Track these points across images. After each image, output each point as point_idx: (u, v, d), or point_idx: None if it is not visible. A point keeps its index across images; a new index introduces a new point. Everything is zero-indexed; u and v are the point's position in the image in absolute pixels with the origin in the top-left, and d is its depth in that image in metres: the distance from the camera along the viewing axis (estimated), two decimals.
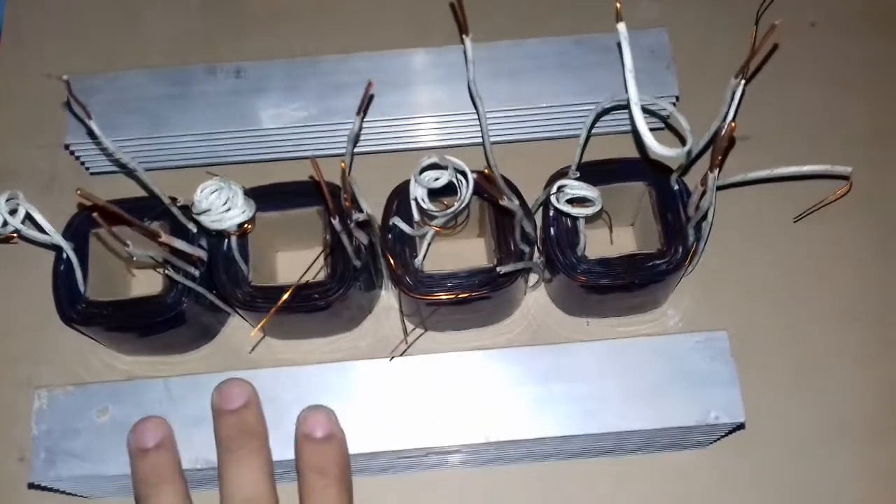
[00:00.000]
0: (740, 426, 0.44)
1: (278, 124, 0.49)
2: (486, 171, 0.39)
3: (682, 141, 0.36)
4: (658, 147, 0.32)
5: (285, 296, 0.43)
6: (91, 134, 0.36)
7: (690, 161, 0.44)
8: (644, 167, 0.48)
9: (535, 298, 0.52)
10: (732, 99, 0.38)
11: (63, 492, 0.45)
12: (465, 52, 0.36)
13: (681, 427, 0.42)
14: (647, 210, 0.48)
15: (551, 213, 0.47)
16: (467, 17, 0.36)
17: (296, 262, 0.53)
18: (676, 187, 0.47)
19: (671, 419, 0.42)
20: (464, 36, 0.35)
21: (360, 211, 0.40)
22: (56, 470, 0.42)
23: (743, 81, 0.39)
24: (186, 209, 0.45)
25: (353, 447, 0.42)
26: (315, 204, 0.48)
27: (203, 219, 0.40)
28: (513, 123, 0.52)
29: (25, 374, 0.50)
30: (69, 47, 0.59)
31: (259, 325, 0.37)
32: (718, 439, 0.48)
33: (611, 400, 0.42)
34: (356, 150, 0.53)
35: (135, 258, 0.39)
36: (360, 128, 0.38)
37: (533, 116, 0.51)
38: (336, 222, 0.39)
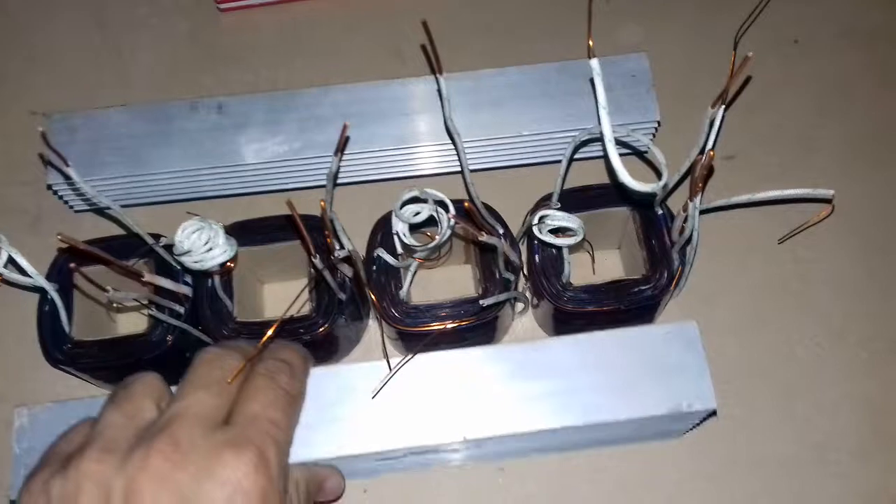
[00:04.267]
0: (712, 413, 0.44)
1: (260, 159, 0.49)
2: (467, 204, 0.39)
3: (659, 174, 0.36)
4: (633, 183, 0.32)
5: (269, 332, 0.43)
6: (69, 178, 0.36)
7: (672, 187, 0.44)
8: (627, 191, 0.48)
9: (523, 323, 0.52)
10: (711, 127, 0.38)
11: None
12: (438, 91, 0.36)
13: (655, 416, 0.42)
14: (632, 235, 0.48)
15: (535, 241, 0.47)
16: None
17: (282, 293, 0.53)
18: (660, 212, 0.47)
19: (645, 409, 0.42)
20: (437, 75, 0.35)
21: (342, 247, 0.40)
22: None
23: (722, 109, 0.38)
24: (170, 247, 0.45)
25: (337, 450, 0.41)
26: (296, 238, 0.48)
27: (185, 259, 0.40)
28: (495, 151, 0.52)
29: (9, 415, 0.50)
30: (53, 82, 0.60)
31: (238, 372, 0.37)
32: (692, 428, 0.48)
33: (585, 392, 0.42)
34: (340, 181, 0.53)
35: (114, 303, 0.38)
36: (339, 167, 0.37)
37: (515, 144, 0.51)
38: (317, 261, 0.39)
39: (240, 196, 0.53)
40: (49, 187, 0.50)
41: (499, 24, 0.61)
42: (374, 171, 0.52)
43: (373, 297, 0.44)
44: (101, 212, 0.53)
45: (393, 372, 0.40)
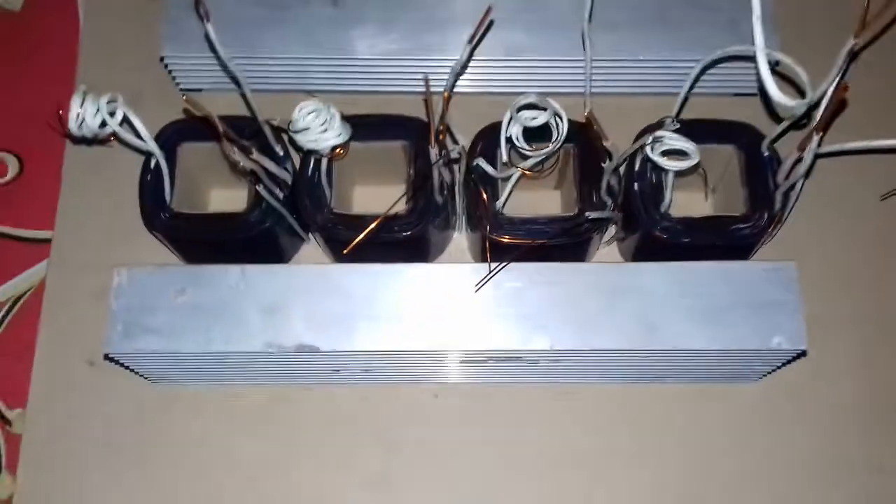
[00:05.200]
0: (801, 354, 0.44)
1: (372, 55, 0.49)
2: (587, 113, 0.39)
3: (802, 93, 0.36)
4: (781, 96, 0.32)
5: (372, 226, 0.44)
6: (207, 39, 0.36)
7: (789, 125, 0.43)
8: (736, 130, 0.48)
9: (607, 255, 0.52)
10: (845, 60, 0.37)
11: (133, 370, 0.46)
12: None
13: (742, 350, 0.42)
14: (734, 175, 0.48)
15: (637, 167, 0.46)
16: None
17: (372, 196, 0.53)
18: (766, 153, 0.47)
19: (733, 342, 0.42)
20: None
21: (456, 143, 0.40)
22: (132, 343, 0.42)
23: (856, 43, 0.38)
24: (279, 130, 0.46)
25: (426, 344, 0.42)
26: (400, 138, 0.48)
27: (300, 137, 0.41)
28: (605, 75, 0.51)
29: (100, 285, 0.51)
30: None
31: (350, 247, 0.38)
32: (774, 370, 0.48)
33: (674, 319, 0.42)
34: (417, 88, 0.53)
35: (240, 164, 0.39)
36: (470, 57, 0.37)
37: (628, 70, 0.50)
38: (434, 151, 0.39)
39: (344, 93, 0.53)
40: (161, 59, 0.51)
41: None
42: (471, 83, 0.52)
43: (484, 195, 0.43)
44: (205, 92, 0.54)
45: (495, 270, 0.41)
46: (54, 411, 0.49)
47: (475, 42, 0.35)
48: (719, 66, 0.50)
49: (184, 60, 0.51)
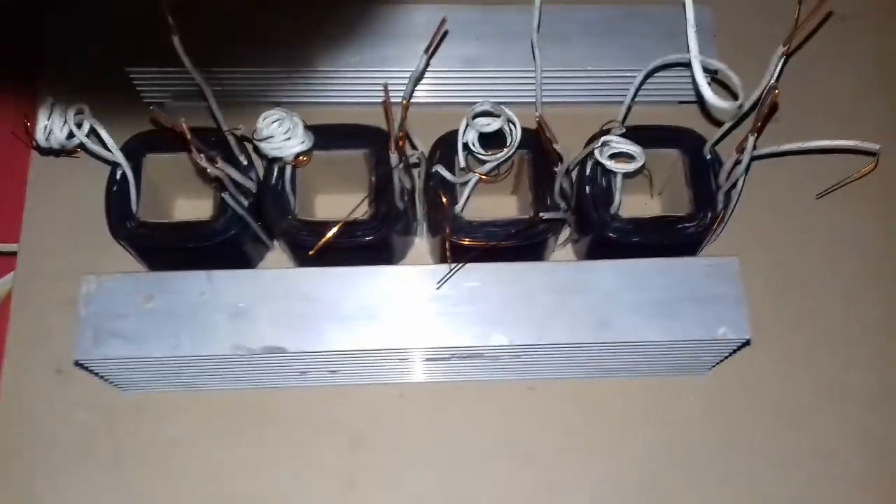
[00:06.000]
0: (745, 344, 0.46)
1: (330, 67, 0.51)
2: (538, 118, 0.41)
3: (734, 97, 0.38)
4: (714, 98, 0.34)
5: (335, 229, 0.45)
6: (174, 52, 0.37)
7: (728, 128, 0.46)
8: (680, 135, 0.51)
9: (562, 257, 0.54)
10: (777, 64, 0.40)
11: (103, 377, 0.47)
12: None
13: (688, 341, 0.45)
14: (679, 177, 0.51)
15: (587, 171, 0.49)
16: None
17: (334, 204, 0.55)
18: (708, 156, 0.50)
19: (682, 333, 0.44)
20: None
21: (415, 149, 0.42)
22: (102, 349, 0.43)
23: (786, 50, 0.41)
24: (240, 141, 0.47)
25: (386, 342, 0.44)
26: (362, 147, 0.50)
27: (264, 145, 0.42)
28: (555, 85, 0.54)
29: (67, 295, 0.52)
30: None
31: (315, 249, 0.39)
32: (720, 362, 0.50)
33: (625, 312, 0.45)
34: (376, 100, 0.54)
35: (209, 171, 0.40)
36: (426, 66, 0.39)
37: (576, 79, 0.53)
38: (394, 156, 0.41)
39: (305, 104, 0.55)
40: (127, 74, 0.52)
41: None
42: (426, 95, 0.54)
43: (442, 199, 0.45)
44: (166, 105, 0.55)
45: (454, 269, 0.43)
46: (23, 421, 0.50)
47: (431, 51, 0.37)
48: (662, 75, 0.53)
49: (148, 75, 0.52)
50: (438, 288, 0.43)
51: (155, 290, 0.44)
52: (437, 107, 0.55)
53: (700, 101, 0.54)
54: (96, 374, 0.47)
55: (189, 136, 0.42)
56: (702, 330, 0.44)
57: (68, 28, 0.56)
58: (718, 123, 0.49)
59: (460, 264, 0.44)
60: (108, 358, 0.43)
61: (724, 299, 0.45)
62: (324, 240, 0.44)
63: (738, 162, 0.45)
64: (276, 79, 0.52)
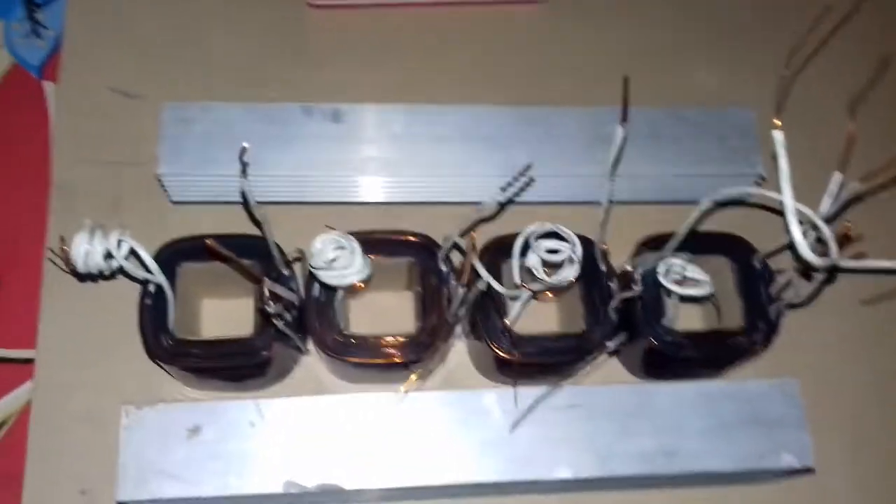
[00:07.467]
0: (807, 470, 0.45)
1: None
2: (605, 245, 0.40)
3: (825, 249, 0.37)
4: (813, 257, 0.33)
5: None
6: (242, 194, 0.35)
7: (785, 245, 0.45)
8: (727, 242, 0.50)
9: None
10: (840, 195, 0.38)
11: None
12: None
13: (753, 469, 0.44)
14: (726, 285, 0.50)
15: (636, 283, 0.47)
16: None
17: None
18: (759, 266, 0.49)
19: (745, 461, 0.44)
20: (621, 124, 0.36)
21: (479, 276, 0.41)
22: (147, 489, 0.41)
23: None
24: (283, 254, 0.45)
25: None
26: (407, 255, 0.48)
27: (321, 274, 0.40)
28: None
29: (85, 407, 0.49)
30: (131, 62, 0.58)
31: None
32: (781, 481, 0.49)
33: (688, 440, 0.44)
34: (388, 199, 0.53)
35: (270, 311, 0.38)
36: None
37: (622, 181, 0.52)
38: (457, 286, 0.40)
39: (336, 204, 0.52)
40: (157, 178, 0.49)
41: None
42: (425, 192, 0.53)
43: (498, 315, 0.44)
44: (195, 206, 0.52)
45: (529, 408, 0.41)
46: None
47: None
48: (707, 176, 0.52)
49: (180, 178, 0.49)
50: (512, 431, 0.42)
51: (201, 422, 0.42)
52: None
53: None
54: None
55: (263, 280, 0.39)
56: (766, 458, 0.44)
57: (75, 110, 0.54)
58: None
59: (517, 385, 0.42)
60: (154, 499, 0.41)
61: (785, 424, 0.44)
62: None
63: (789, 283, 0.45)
64: (313, 181, 0.50)
